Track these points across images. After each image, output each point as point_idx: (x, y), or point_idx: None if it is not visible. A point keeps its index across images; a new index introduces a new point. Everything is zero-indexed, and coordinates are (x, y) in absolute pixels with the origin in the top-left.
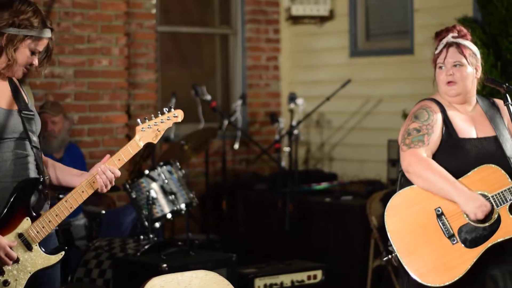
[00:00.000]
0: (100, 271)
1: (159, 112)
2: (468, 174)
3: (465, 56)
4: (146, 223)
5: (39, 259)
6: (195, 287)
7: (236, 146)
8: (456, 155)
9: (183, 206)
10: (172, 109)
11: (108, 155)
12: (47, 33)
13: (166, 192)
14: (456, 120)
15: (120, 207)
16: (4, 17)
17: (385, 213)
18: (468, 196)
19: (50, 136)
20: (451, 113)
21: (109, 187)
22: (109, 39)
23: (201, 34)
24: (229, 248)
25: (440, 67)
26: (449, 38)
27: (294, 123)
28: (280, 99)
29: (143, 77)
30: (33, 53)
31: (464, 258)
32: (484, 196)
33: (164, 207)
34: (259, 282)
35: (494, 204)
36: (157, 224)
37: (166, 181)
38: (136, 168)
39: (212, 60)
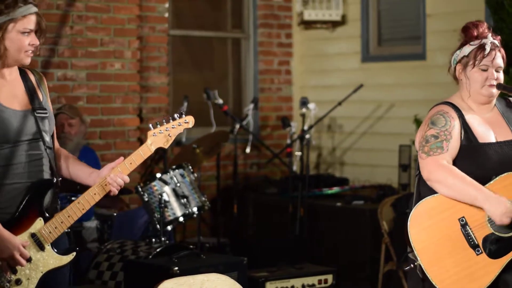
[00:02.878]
0: (112, 273)
1: (170, 117)
2: (491, 182)
3: (504, 62)
4: (158, 226)
5: (51, 259)
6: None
7: (248, 150)
8: (477, 162)
9: (195, 209)
10: (183, 115)
11: (121, 158)
12: (29, 10)
13: (178, 195)
14: (475, 125)
15: (132, 210)
16: None
17: (408, 222)
18: (495, 200)
19: (65, 138)
20: (469, 117)
21: (119, 189)
22: (121, 43)
23: (213, 38)
24: (240, 251)
25: (483, 69)
26: (490, 39)
27: (305, 127)
28: (292, 103)
29: (155, 81)
30: (24, 33)
31: (489, 269)
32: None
33: (176, 210)
34: (270, 286)
35: None
36: (169, 227)
37: (178, 184)
38: (148, 171)
39: (224, 64)
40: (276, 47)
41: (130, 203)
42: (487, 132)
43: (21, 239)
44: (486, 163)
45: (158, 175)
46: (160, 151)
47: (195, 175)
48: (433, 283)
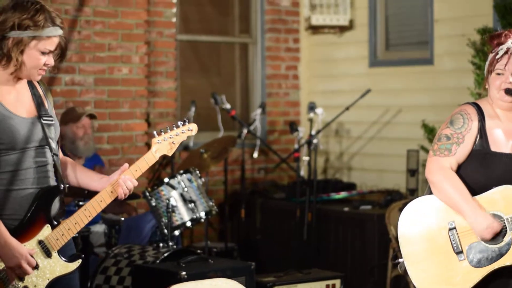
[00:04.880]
0: (119, 278)
1: (174, 125)
2: (488, 192)
3: None
4: (166, 231)
5: (58, 266)
6: None
7: (255, 154)
8: (483, 169)
9: (202, 214)
10: (187, 123)
11: (126, 165)
12: (55, 31)
13: (185, 200)
14: (493, 131)
15: (139, 215)
16: (7, 20)
17: (400, 218)
18: (479, 216)
19: (89, 140)
20: (490, 123)
21: (127, 195)
22: (129, 48)
23: (220, 42)
24: (247, 256)
25: (498, 73)
26: (509, 44)
27: (313, 132)
28: (300, 108)
29: (163, 85)
30: (44, 53)
31: (468, 277)
32: (499, 217)
33: (184, 215)
34: None
35: (508, 227)
36: (177, 232)
37: (185, 189)
38: (156, 176)
39: (231, 68)
40: (283, 52)
41: (137, 208)
42: (504, 142)
43: (29, 247)
44: (491, 173)
45: (166, 180)
46: (167, 157)
47: (203, 179)
48: (412, 281)
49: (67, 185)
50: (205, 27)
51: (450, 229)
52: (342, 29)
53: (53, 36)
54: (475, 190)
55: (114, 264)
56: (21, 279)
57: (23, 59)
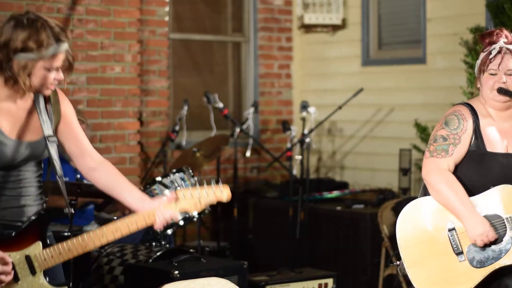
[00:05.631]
0: (112, 277)
1: (205, 181)
2: (486, 192)
3: None
4: (158, 230)
5: (39, 286)
6: None
7: (248, 153)
8: (479, 170)
9: (195, 213)
10: (220, 184)
11: (174, 194)
12: (60, 48)
13: None
14: (488, 131)
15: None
16: (9, 43)
17: (398, 220)
18: (475, 221)
19: None
20: (484, 123)
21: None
22: (122, 46)
23: (213, 41)
24: (240, 255)
25: (492, 73)
26: (501, 43)
27: (306, 131)
28: (292, 107)
29: (156, 84)
30: (50, 71)
31: (468, 277)
32: (498, 217)
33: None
34: None
35: (508, 226)
36: (169, 231)
37: (178, 188)
38: (149, 174)
39: (224, 67)
40: (276, 50)
41: None
42: (499, 141)
43: (14, 258)
44: (488, 173)
45: (159, 178)
46: (160, 155)
47: (195, 178)
48: (412, 282)
49: (73, 211)
50: (197, 25)
51: (449, 230)
52: (334, 28)
53: (58, 53)
54: (472, 190)
55: (106, 263)
56: None
57: (31, 81)
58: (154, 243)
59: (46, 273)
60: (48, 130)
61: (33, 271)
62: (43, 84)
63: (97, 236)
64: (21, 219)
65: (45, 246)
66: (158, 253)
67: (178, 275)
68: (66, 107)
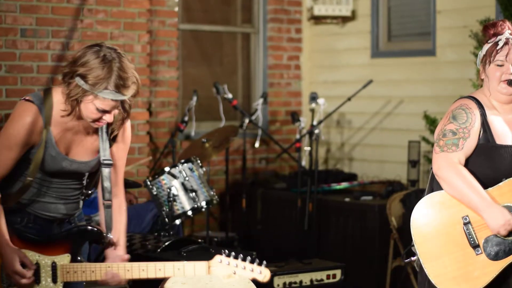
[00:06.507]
0: None
1: (248, 256)
2: (499, 184)
3: None
4: (167, 220)
5: None
6: (217, 284)
7: (257, 144)
8: (490, 163)
9: (203, 203)
10: (263, 266)
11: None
12: (112, 96)
13: (187, 189)
14: (495, 124)
15: (141, 203)
16: (77, 61)
17: (412, 216)
18: (495, 211)
19: None
20: (490, 116)
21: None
22: (131, 36)
23: (223, 32)
24: (248, 246)
25: (498, 65)
26: (506, 34)
27: (314, 122)
28: (301, 98)
29: (165, 75)
30: (99, 110)
31: (487, 270)
32: None
33: (185, 204)
34: (278, 281)
35: None
36: (178, 221)
37: (187, 178)
38: (157, 165)
39: (233, 58)
40: (285, 42)
41: (138, 196)
42: (507, 133)
43: (44, 262)
44: (499, 165)
45: (167, 169)
46: (169, 145)
47: (204, 169)
48: (430, 277)
49: (110, 237)
50: (207, 16)
51: (465, 224)
52: (344, 19)
53: (108, 99)
54: (484, 183)
55: None
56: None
57: (80, 107)
58: (162, 233)
59: (66, 285)
60: (105, 153)
61: (54, 279)
62: (89, 117)
63: (122, 270)
64: (59, 213)
65: (73, 261)
66: (166, 243)
67: None
68: (121, 141)
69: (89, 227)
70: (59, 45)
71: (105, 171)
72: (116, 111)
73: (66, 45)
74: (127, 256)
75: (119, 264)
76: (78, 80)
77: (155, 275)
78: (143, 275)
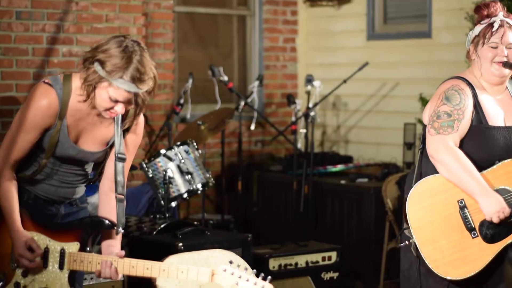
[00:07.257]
0: None
1: (253, 270)
2: (494, 167)
3: None
4: (163, 202)
5: (60, 284)
6: (212, 266)
7: (252, 127)
8: (484, 144)
9: (199, 186)
10: (268, 281)
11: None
12: (127, 86)
13: (182, 171)
14: (487, 106)
15: (137, 186)
16: (98, 48)
17: (407, 200)
18: (492, 197)
19: None
20: (481, 97)
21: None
22: (127, 19)
23: (218, 15)
24: (244, 228)
25: (493, 47)
26: (501, 16)
27: (310, 105)
28: (297, 81)
29: (161, 57)
30: (111, 100)
31: (483, 253)
32: (507, 191)
33: (181, 187)
34: (273, 263)
35: None
36: (173, 204)
37: (182, 160)
38: (153, 147)
39: (229, 41)
40: (281, 24)
41: (134, 179)
42: (498, 114)
43: (53, 247)
44: (492, 147)
45: (163, 151)
46: (165, 128)
47: (200, 151)
48: (426, 262)
49: (122, 231)
50: None
51: (460, 208)
52: (340, 1)
53: (122, 88)
54: (478, 165)
55: None
56: (25, 273)
57: (95, 93)
58: (158, 216)
59: (71, 272)
60: (120, 147)
61: (61, 266)
62: (101, 106)
63: (127, 266)
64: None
65: (82, 250)
66: (162, 226)
67: (182, 247)
68: (132, 135)
69: (103, 219)
70: (54, 28)
71: (119, 165)
72: (129, 106)
73: (61, 28)
74: (123, 252)
75: (124, 260)
76: (96, 66)
77: (158, 275)
78: (147, 274)
